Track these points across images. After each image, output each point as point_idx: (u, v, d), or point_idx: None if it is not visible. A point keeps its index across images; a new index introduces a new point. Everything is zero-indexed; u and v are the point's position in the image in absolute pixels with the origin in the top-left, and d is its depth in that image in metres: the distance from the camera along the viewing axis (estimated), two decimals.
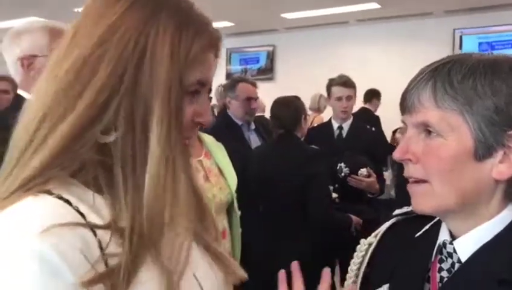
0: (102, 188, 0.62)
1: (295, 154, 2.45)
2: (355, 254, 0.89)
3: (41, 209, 0.56)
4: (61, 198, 0.57)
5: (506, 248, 0.68)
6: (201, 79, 0.66)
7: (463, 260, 0.71)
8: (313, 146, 2.51)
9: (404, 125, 0.75)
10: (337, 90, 2.99)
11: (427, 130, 0.70)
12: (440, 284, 0.72)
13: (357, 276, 0.88)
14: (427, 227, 0.81)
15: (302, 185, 2.36)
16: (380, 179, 2.85)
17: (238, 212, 1.89)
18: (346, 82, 2.97)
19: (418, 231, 0.82)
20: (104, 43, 0.60)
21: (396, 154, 0.72)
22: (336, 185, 2.68)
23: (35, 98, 0.62)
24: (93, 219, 0.58)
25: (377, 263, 0.86)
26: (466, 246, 0.71)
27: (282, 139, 2.55)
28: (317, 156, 2.43)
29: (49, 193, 0.57)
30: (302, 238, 2.39)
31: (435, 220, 0.81)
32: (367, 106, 5.54)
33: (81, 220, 0.57)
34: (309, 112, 4.44)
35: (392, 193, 5.02)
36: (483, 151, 0.67)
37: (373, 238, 0.88)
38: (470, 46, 6.74)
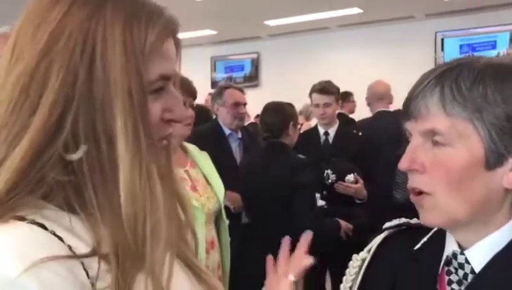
0: (76, 209, 0.57)
1: (281, 164, 2.43)
2: (347, 270, 0.86)
3: (16, 238, 0.51)
4: (35, 223, 0.53)
5: None
6: (164, 73, 0.60)
7: (477, 270, 0.68)
8: (300, 155, 2.48)
9: (408, 133, 0.72)
10: (315, 97, 2.98)
11: (434, 139, 0.67)
12: None
13: None
14: (425, 239, 0.78)
15: (288, 195, 2.33)
16: (368, 184, 2.84)
17: (226, 221, 1.87)
18: (322, 89, 2.94)
19: (415, 244, 0.79)
20: (49, 53, 0.54)
21: (404, 165, 0.68)
22: (324, 192, 2.65)
23: None
24: (73, 243, 0.54)
25: (373, 280, 0.83)
26: (478, 256, 0.68)
27: (269, 147, 2.53)
28: (303, 166, 2.40)
29: (22, 219, 0.53)
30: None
31: (432, 232, 0.78)
32: (341, 110, 5.41)
33: (63, 247, 0.53)
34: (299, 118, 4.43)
35: None
36: (494, 160, 0.65)
37: (366, 254, 0.85)
38: (452, 48, 6.83)
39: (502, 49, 6.74)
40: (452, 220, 0.68)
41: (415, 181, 0.69)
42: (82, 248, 0.54)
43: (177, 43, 0.64)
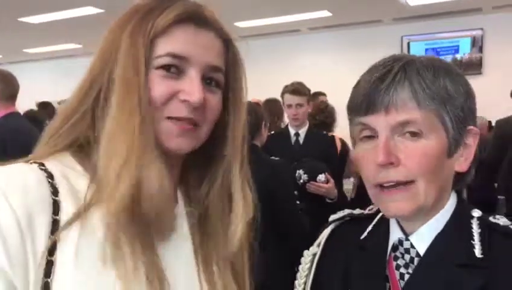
0: (87, 168, 0.69)
1: (258, 166, 2.41)
2: (300, 266, 0.86)
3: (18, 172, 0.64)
4: (46, 171, 0.65)
5: (458, 233, 0.71)
6: (173, 52, 0.69)
7: (421, 253, 0.72)
8: (273, 157, 2.48)
9: (364, 127, 0.72)
10: (287, 98, 3.02)
11: (409, 130, 0.68)
12: (401, 282, 0.73)
13: (304, 289, 0.85)
14: (370, 228, 0.82)
15: (270, 197, 2.32)
16: (338, 184, 2.88)
17: None
18: (295, 90, 2.98)
19: (361, 233, 0.82)
20: (99, 54, 0.72)
21: (382, 158, 0.68)
22: (296, 192, 2.67)
23: None
24: (64, 205, 0.64)
25: (325, 272, 0.84)
26: (422, 240, 0.73)
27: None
28: (281, 167, 2.40)
29: (41, 165, 0.66)
30: (270, 250, 2.36)
31: (375, 220, 0.82)
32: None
33: (49, 201, 0.63)
34: None
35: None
36: (453, 148, 0.71)
37: (316, 248, 0.86)
38: (417, 52, 6.99)
39: (464, 53, 6.97)
40: (421, 207, 0.70)
41: (389, 175, 0.69)
42: (69, 207, 0.64)
43: (199, 24, 0.75)
